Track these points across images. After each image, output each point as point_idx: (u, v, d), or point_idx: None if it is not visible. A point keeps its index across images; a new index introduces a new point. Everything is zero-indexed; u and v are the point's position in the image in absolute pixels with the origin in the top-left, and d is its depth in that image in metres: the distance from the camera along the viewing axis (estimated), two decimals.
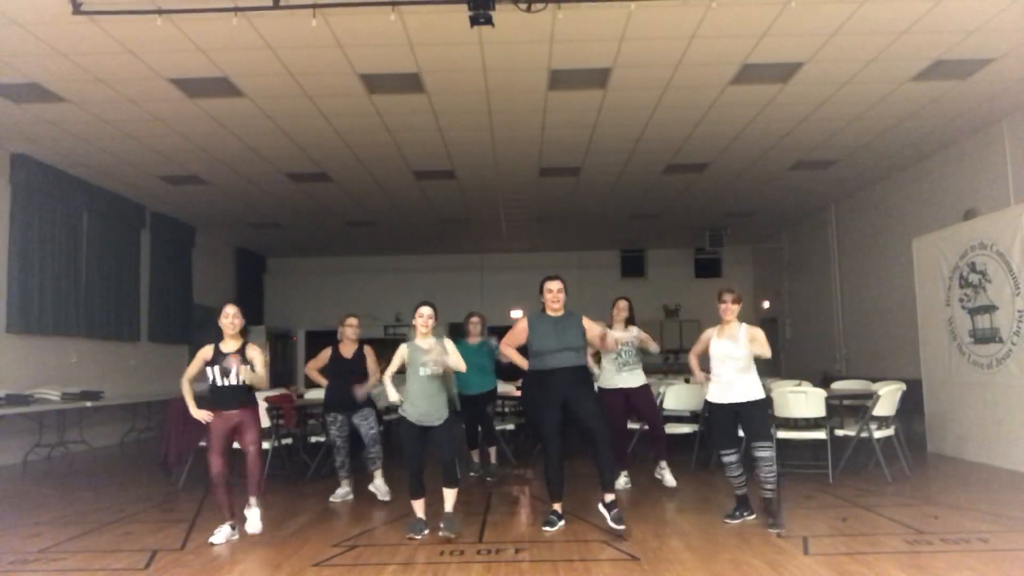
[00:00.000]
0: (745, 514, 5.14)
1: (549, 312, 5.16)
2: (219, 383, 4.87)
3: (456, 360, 4.90)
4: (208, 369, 4.89)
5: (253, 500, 4.98)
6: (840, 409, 7.14)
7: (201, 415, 4.88)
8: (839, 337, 12.51)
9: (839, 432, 6.76)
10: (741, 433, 5.24)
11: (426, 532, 4.85)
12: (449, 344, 4.97)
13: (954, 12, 5.85)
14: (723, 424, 5.17)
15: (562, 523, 4.99)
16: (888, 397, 6.73)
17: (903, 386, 6.95)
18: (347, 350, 6.31)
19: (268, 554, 4.51)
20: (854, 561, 4.13)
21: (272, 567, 4.25)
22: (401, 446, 5.11)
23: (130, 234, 11.49)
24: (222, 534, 4.81)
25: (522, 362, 5.19)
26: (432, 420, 4.91)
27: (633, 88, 7.32)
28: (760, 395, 5.08)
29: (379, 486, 6.16)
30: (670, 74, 7.01)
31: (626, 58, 6.61)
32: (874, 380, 7.79)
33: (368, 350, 6.31)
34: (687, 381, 8.32)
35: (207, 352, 4.93)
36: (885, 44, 6.42)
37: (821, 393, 6.65)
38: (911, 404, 7.75)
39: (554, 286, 5.13)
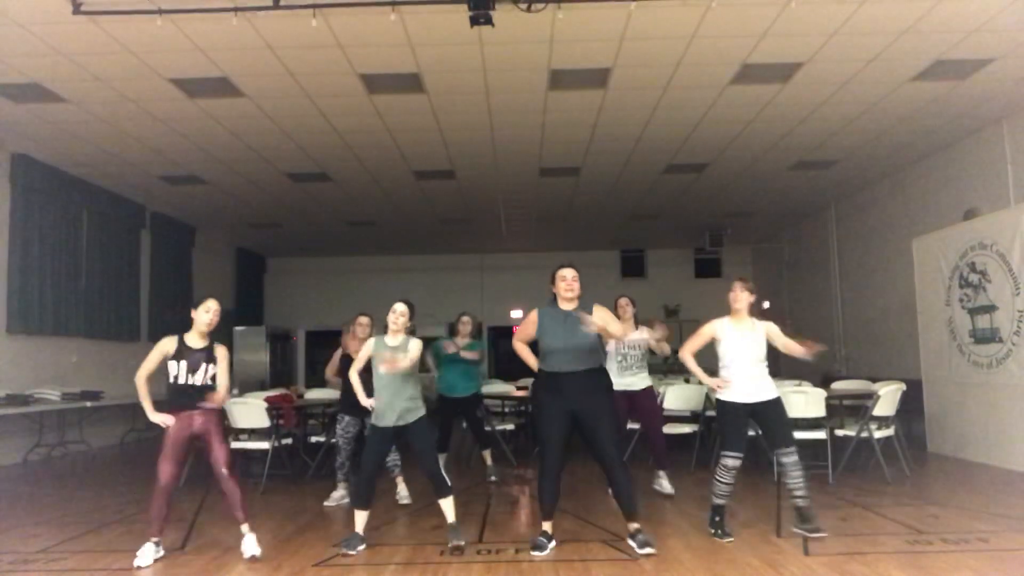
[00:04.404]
0: (726, 528, 4.73)
1: (561, 304, 4.63)
2: (183, 380, 4.41)
3: (406, 361, 4.58)
4: (171, 363, 4.41)
5: (244, 527, 4.49)
6: (840, 409, 7.13)
7: (160, 419, 4.36)
8: (839, 337, 12.51)
9: (839, 432, 6.76)
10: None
11: (361, 548, 4.53)
12: (414, 343, 4.71)
13: (954, 12, 5.85)
14: (736, 424, 4.73)
15: (552, 545, 4.47)
16: (888, 397, 6.73)
17: (903, 386, 6.94)
18: (358, 350, 6.23)
19: (268, 554, 4.50)
20: (854, 561, 4.13)
21: (272, 567, 4.25)
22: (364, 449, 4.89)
23: (130, 234, 11.49)
24: (147, 554, 4.34)
25: (533, 362, 4.73)
26: (395, 419, 4.62)
27: (633, 88, 7.33)
28: (776, 393, 4.76)
29: (401, 492, 6.08)
30: (670, 74, 7.01)
31: (626, 58, 6.61)
32: (874, 380, 7.80)
33: None
34: (687, 381, 8.30)
35: (169, 345, 4.43)
36: (885, 44, 6.42)
37: (821, 393, 6.66)
38: (911, 404, 7.75)
39: (568, 273, 4.64)
